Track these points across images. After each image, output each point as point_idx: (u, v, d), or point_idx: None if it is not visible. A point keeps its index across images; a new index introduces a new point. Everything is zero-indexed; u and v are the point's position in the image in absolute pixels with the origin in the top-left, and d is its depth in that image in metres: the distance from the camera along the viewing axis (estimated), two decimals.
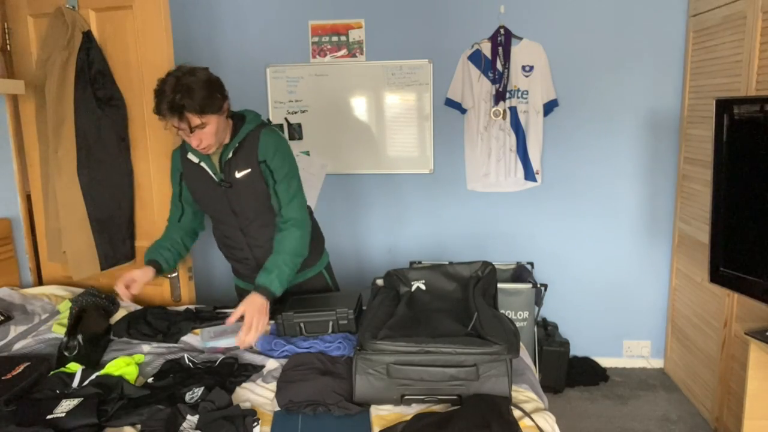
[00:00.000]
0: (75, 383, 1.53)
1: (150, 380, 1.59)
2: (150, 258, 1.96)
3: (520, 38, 3.13)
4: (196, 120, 1.73)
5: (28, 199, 2.46)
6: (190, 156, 1.95)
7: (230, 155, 1.90)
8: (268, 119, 2.11)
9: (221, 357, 1.72)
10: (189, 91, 1.70)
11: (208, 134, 1.79)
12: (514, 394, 1.48)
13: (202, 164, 1.94)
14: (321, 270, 2.19)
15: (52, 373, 1.58)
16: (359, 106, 3.26)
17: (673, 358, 3.24)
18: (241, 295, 2.19)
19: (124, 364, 1.63)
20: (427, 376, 1.42)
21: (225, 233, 2.05)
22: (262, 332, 1.76)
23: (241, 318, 2.00)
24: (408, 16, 3.17)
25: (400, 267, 1.91)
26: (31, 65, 2.30)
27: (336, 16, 3.18)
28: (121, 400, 1.46)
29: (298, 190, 1.96)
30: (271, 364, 1.68)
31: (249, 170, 1.91)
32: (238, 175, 1.90)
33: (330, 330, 1.81)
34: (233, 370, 1.65)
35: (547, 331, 3.20)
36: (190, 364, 1.68)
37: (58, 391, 1.49)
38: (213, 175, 1.93)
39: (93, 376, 1.54)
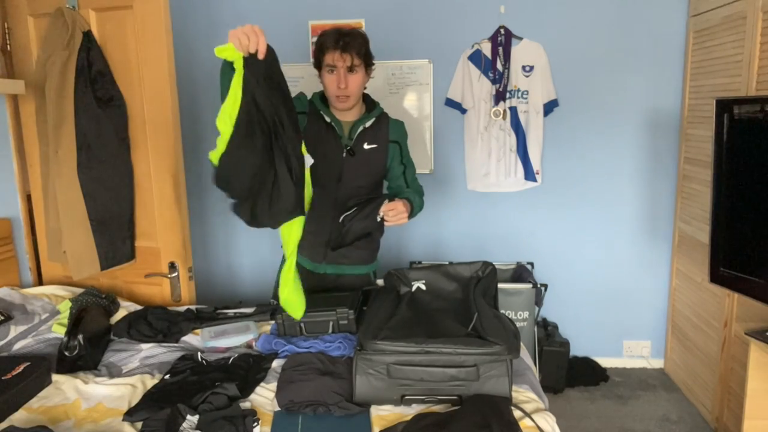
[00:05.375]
0: None
1: (166, 377, 1.60)
2: None
3: (520, 38, 3.13)
4: (356, 60, 1.89)
5: (28, 199, 2.46)
6: (324, 113, 2.00)
7: (366, 125, 2.01)
8: None
9: (234, 355, 1.72)
10: (356, 36, 1.91)
11: (355, 82, 1.92)
12: (514, 394, 1.48)
13: (334, 125, 1.99)
14: (373, 271, 2.22)
15: None
16: None
17: (673, 358, 3.24)
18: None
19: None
20: (428, 376, 1.42)
21: (314, 199, 1.99)
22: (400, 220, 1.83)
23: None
24: (408, 16, 3.17)
25: (400, 267, 1.91)
26: (31, 65, 2.29)
27: (336, 16, 3.18)
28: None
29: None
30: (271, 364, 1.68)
31: (376, 146, 2.02)
32: (367, 147, 2.01)
33: (330, 330, 1.81)
34: (250, 366, 1.64)
35: (547, 331, 3.20)
36: (204, 361, 1.68)
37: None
38: (340, 139, 1.99)
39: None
